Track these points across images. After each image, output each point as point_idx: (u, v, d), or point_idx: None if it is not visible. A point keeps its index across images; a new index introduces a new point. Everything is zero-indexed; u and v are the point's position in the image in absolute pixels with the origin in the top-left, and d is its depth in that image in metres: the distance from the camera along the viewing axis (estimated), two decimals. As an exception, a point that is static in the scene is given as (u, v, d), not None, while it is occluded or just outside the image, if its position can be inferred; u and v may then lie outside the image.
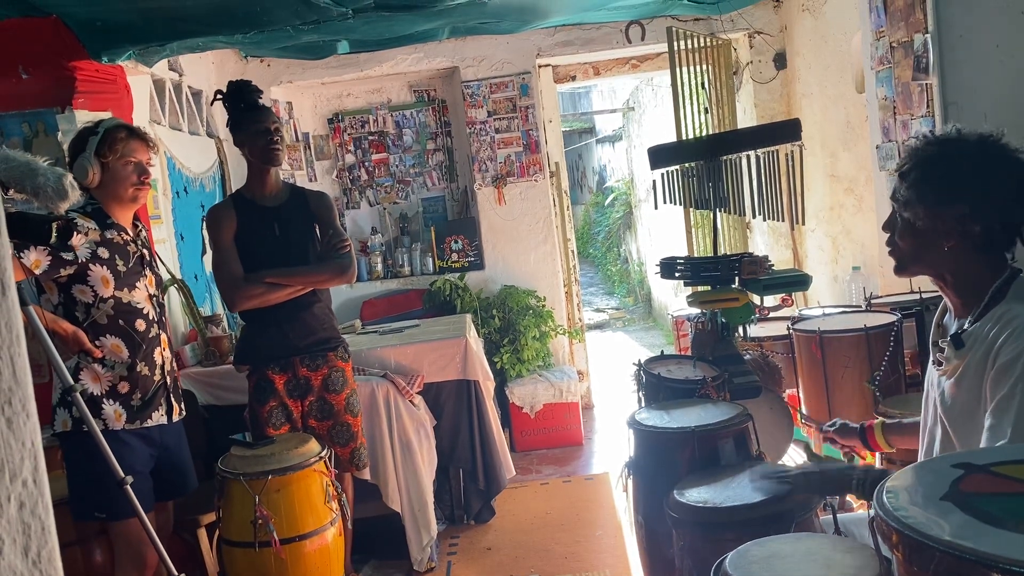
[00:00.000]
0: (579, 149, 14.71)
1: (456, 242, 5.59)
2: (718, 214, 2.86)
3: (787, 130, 2.78)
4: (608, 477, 4.56)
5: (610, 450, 5.02)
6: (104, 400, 2.65)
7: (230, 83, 3.14)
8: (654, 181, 2.86)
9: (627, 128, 10.58)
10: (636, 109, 9.61)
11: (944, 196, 1.63)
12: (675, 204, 2.89)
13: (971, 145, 1.65)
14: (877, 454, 2.84)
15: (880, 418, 2.21)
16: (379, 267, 5.66)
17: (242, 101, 3.10)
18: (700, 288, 2.65)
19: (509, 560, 3.68)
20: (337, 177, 5.84)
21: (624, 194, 11.34)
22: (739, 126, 5.32)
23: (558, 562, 3.60)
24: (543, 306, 5.44)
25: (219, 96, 3.16)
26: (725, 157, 2.76)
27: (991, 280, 1.66)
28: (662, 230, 8.32)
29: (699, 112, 4.80)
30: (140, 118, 3.86)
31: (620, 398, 5.81)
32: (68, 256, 2.54)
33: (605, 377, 6.58)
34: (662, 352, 2.75)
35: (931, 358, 1.82)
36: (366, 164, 5.82)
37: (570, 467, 4.85)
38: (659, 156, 2.75)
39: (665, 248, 8.06)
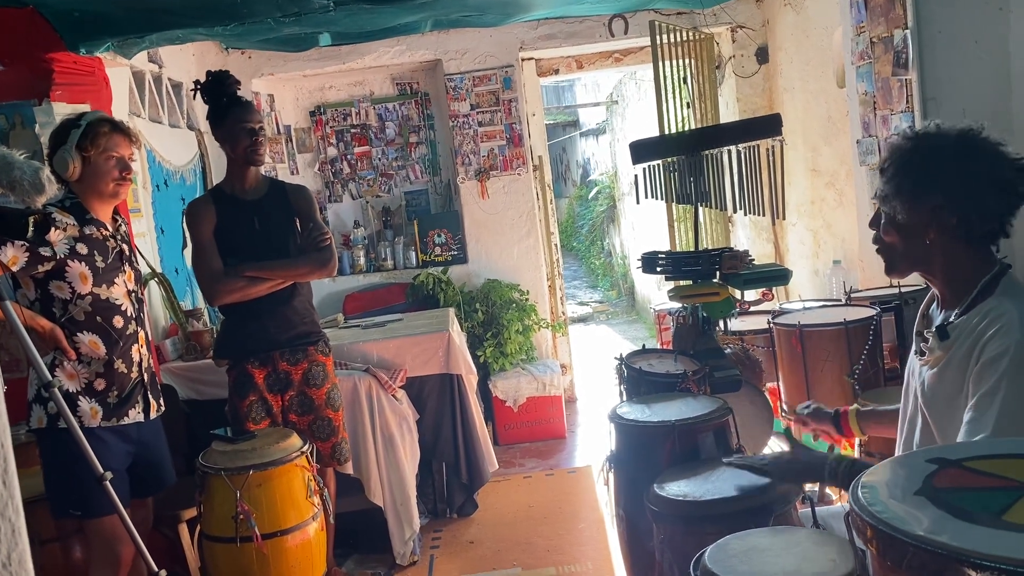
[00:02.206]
0: (563, 142, 14.71)
1: (439, 236, 5.58)
2: (700, 209, 2.86)
3: (768, 125, 2.79)
4: (590, 470, 4.57)
5: (593, 443, 5.03)
6: (80, 397, 2.63)
7: (209, 74, 3.11)
8: (636, 176, 2.87)
9: (611, 121, 10.59)
10: (620, 103, 9.62)
11: (919, 187, 1.65)
12: (657, 199, 2.90)
13: (948, 138, 1.66)
14: (856, 444, 2.87)
15: (855, 404, 2.22)
16: (362, 261, 5.64)
17: (224, 95, 3.07)
18: (681, 283, 2.66)
19: (491, 553, 3.68)
20: (319, 170, 5.81)
21: (608, 187, 11.35)
22: (721, 120, 5.33)
23: (540, 555, 3.61)
24: (526, 300, 5.44)
25: (197, 87, 3.12)
26: (707, 152, 2.77)
27: (979, 274, 1.67)
28: (645, 224, 8.34)
29: (682, 107, 4.81)
30: (119, 110, 3.82)
31: (603, 391, 5.83)
32: (46, 252, 2.52)
33: (588, 370, 6.60)
34: (644, 346, 2.76)
35: (913, 347, 1.83)
36: (348, 157, 5.80)
37: (553, 460, 4.87)
38: (641, 150, 2.76)
39: (648, 242, 8.08)
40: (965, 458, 1.08)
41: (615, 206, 10.93)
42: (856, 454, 2.69)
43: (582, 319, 9.55)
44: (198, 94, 3.12)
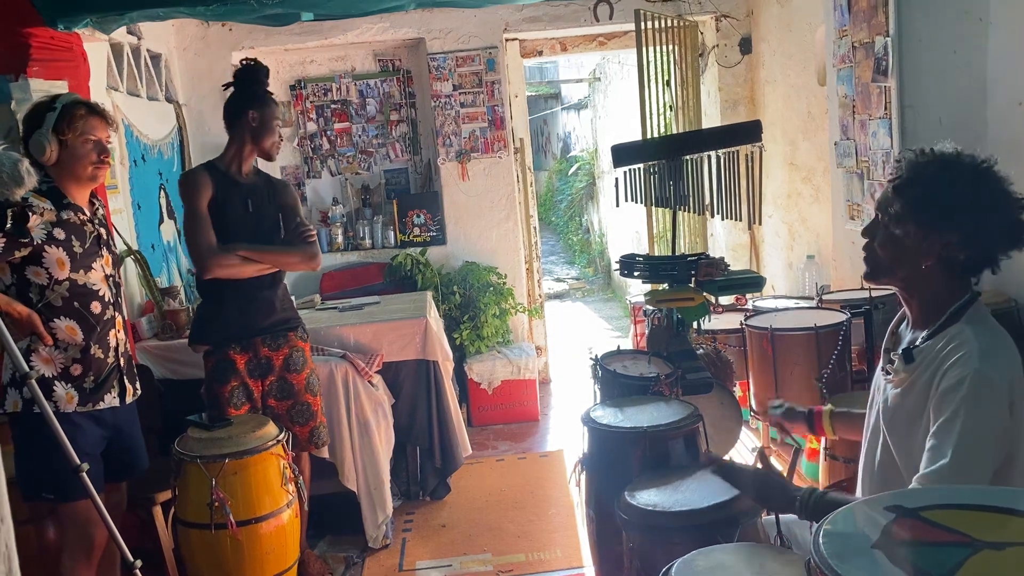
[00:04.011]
0: (544, 116, 14.65)
1: (418, 216, 5.58)
2: (677, 212, 2.90)
3: (749, 131, 2.83)
4: (562, 455, 4.64)
5: (565, 426, 5.10)
6: (56, 382, 2.63)
7: (258, 64, 3.23)
8: (616, 179, 2.89)
9: (593, 98, 10.57)
10: (602, 80, 9.60)
11: (939, 221, 1.65)
12: (636, 202, 2.93)
13: (969, 171, 1.66)
14: (822, 442, 2.95)
15: (829, 405, 2.28)
16: (340, 239, 5.62)
17: (266, 87, 3.20)
18: (658, 287, 2.70)
19: (463, 538, 3.75)
20: (298, 145, 5.76)
21: (588, 164, 11.36)
22: (703, 109, 5.35)
23: (511, 541, 3.68)
24: (504, 284, 5.46)
25: (246, 63, 3.21)
26: (687, 157, 2.79)
27: (952, 300, 1.70)
28: (624, 203, 8.36)
29: (664, 108, 4.82)
30: (97, 84, 3.77)
31: (577, 372, 5.89)
32: (23, 239, 2.50)
33: (563, 350, 6.64)
34: (618, 347, 2.80)
35: (880, 363, 1.88)
36: (328, 133, 5.75)
37: (526, 443, 4.93)
38: (622, 154, 2.78)
39: (626, 222, 8.12)
40: (922, 507, 1.12)
41: (594, 183, 10.95)
42: (821, 458, 2.77)
43: (558, 295, 9.60)
44: (240, 75, 3.22)
